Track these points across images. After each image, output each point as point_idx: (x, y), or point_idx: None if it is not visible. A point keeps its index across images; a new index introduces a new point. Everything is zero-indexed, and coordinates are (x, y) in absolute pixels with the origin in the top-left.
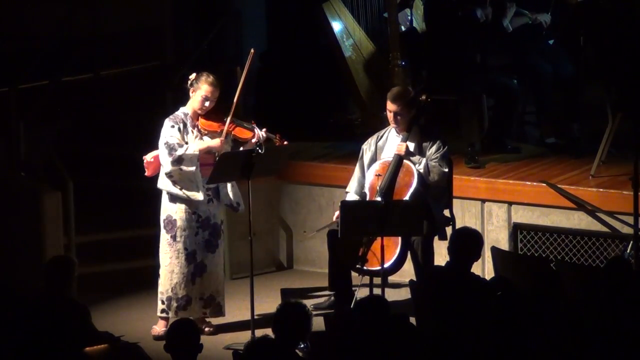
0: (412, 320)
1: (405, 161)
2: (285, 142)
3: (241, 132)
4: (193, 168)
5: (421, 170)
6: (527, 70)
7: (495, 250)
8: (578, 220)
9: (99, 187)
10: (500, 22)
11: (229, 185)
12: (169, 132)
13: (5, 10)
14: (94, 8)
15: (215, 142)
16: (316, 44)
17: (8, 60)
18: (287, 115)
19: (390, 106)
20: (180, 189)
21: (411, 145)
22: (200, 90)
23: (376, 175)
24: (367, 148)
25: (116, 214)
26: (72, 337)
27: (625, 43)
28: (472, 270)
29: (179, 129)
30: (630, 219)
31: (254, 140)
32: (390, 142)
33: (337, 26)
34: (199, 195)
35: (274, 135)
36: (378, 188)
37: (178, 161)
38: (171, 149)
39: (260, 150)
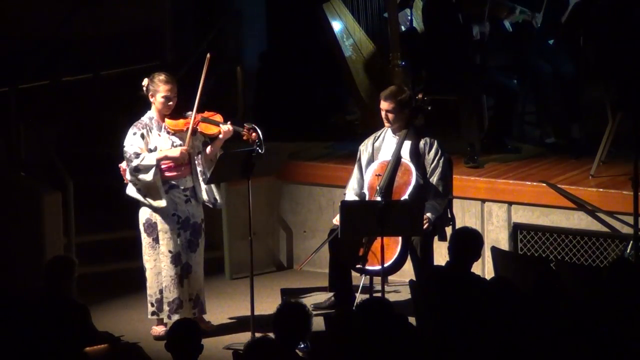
0: (412, 320)
1: (403, 160)
2: (254, 135)
3: (207, 129)
4: (150, 177)
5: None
6: (527, 70)
7: (495, 250)
8: (578, 220)
9: (99, 187)
10: (500, 22)
11: (202, 183)
12: (129, 140)
13: (6, 10)
14: (94, 8)
15: (175, 152)
16: (316, 44)
17: (8, 60)
18: (286, 115)
19: (382, 104)
20: (144, 197)
21: (407, 146)
22: (159, 92)
23: (376, 175)
24: (364, 149)
25: (116, 214)
26: (72, 337)
27: (625, 43)
28: (472, 270)
29: (142, 135)
30: (630, 219)
31: (221, 136)
32: (387, 142)
33: (337, 26)
34: (161, 202)
35: (242, 128)
36: (378, 188)
37: (135, 170)
38: (128, 159)
39: (260, 150)
